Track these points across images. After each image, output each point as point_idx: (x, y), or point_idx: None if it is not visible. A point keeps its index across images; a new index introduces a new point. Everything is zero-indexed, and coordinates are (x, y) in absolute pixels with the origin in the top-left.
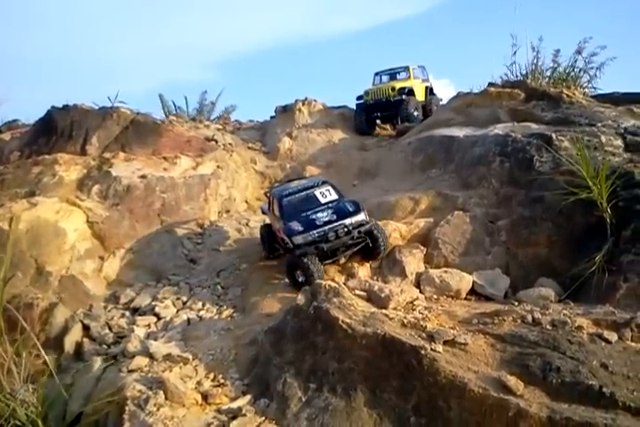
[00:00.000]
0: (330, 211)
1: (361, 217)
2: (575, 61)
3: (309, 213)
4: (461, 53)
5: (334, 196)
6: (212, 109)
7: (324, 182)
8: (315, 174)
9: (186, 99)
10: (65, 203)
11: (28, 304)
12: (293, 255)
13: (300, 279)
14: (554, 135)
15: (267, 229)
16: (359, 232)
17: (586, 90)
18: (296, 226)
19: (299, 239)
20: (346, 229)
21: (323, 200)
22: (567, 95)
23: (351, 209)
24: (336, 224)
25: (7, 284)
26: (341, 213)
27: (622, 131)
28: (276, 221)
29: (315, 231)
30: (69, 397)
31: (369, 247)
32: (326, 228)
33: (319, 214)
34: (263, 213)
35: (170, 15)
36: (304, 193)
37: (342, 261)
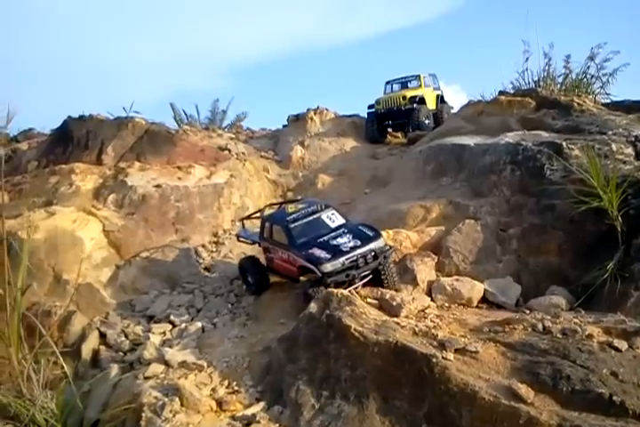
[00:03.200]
0: (349, 236)
1: (383, 242)
2: (588, 68)
3: (326, 238)
4: (473, 59)
5: (341, 219)
6: (224, 118)
7: (327, 206)
8: (327, 183)
9: (197, 107)
10: (82, 212)
11: (47, 312)
12: (310, 286)
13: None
14: (564, 144)
15: (251, 261)
16: (385, 258)
17: (598, 97)
18: (321, 253)
19: (327, 267)
20: (373, 254)
21: (332, 225)
22: (578, 103)
23: (371, 234)
24: (364, 249)
25: (25, 292)
26: (364, 237)
27: (633, 139)
28: (279, 250)
29: (343, 258)
30: (87, 403)
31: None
32: (355, 253)
33: (340, 240)
34: (241, 239)
35: (179, 23)
36: (310, 218)
37: (357, 289)
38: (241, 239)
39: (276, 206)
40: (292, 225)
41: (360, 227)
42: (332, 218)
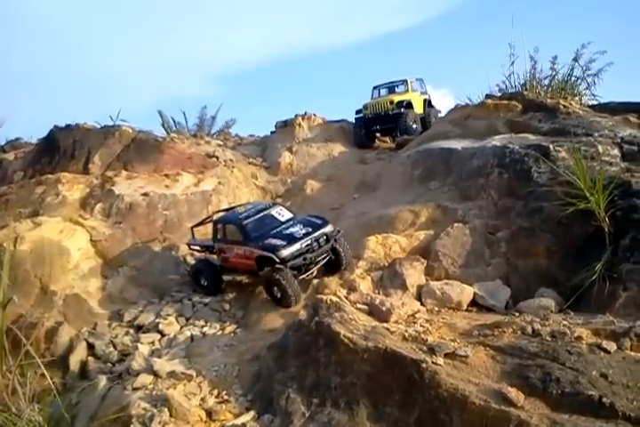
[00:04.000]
0: (300, 225)
1: (330, 228)
2: (572, 69)
3: (279, 229)
4: (460, 63)
5: (290, 214)
6: (213, 124)
7: (274, 204)
8: (315, 189)
9: (184, 114)
10: (68, 222)
11: (33, 324)
12: (272, 272)
13: (278, 295)
14: (551, 146)
15: (205, 263)
16: (335, 240)
17: (584, 98)
18: (276, 241)
19: (284, 253)
20: (325, 238)
21: (282, 219)
22: (564, 106)
23: (319, 222)
24: (316, 234)
25: (9, 304)
26: (313, 225)
27: (619, 140)
28: (234, 247)
29: (298, 243)
30: (75, 416)
31: (332, 261)
32: (309, 238)
33: (292, 229)
34: (192, 247)
35: (169, 30)
36: (261, 214)
37: (314, 274)
38: (192, 247)
39: (225, 211)
40: (246, 222)
41: (308, 218)
42: (282, 213)
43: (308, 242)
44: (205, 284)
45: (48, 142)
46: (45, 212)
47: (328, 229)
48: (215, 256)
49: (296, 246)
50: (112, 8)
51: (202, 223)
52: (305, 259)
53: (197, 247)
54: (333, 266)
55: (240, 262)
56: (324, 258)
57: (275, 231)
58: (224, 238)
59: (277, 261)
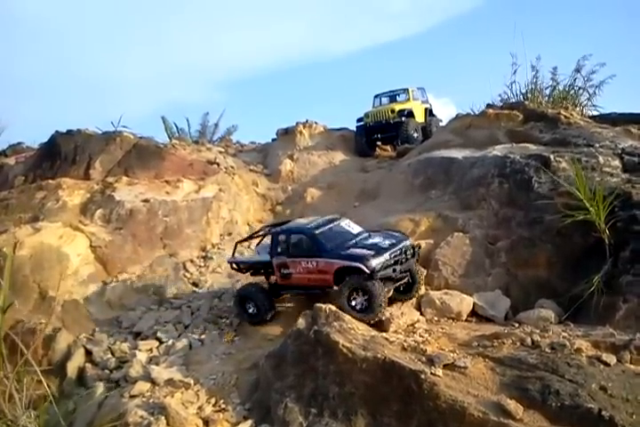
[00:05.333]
0: (380, 236)
1: (411, 242)
2: (574, 80)
3: (357, 240)
4: (462, 72)
5: (358, 227)
6: (215, 131)
7: (340, 217)
8: (316, 196)
9: (187, 120)
10: (68, 228)
11: (31, 329)
12: (360, 279)
13: (359, 307)
14: (552, 156)
15: (256, 288)
16: (418, 254)
17: (585, 108)
18: (362, 251)
19: (373, 263)
20: (412, 251)
21: (354, 231)
22: (565, 116)
23: (398, 234)
24: (402, 246)
25: (8, 310)
26: (395, 237)
27: (620, 151)
28: (302, 261)
29: (387, 254)
30: (72, 423)
31: (407, 284)
32: (396, 249)
33: (372, 240)
34: (235, 266)
35: (171, 36)
36: (331, 225)
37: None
38: (235, 266)
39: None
40: (318, 231)
41: (383, 230)
42: (351, 225)
43: (397, 253)
44: (255, 312)
45: (49, 147)
46: (45, 217)
47: (409, 241)
48: (264, 277)
49: (385, 257)
50: (115, 12)
51: (250, 238)
52: (394, 270)
53: (240, 266)
54: (405, 289)
55: (309, 278)
56: (405, 276)
57: (353, 242)
58: (287, 252)
59: (367, 272)
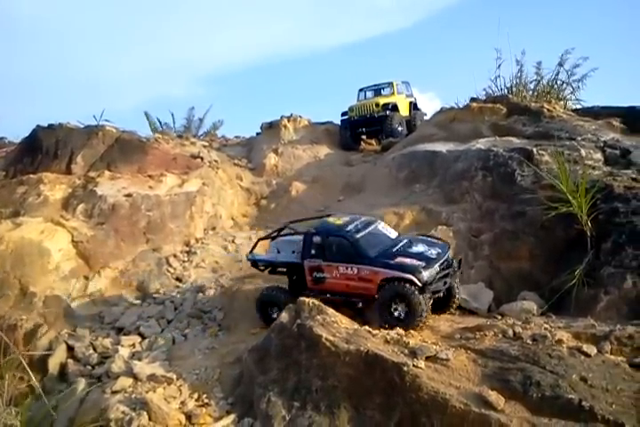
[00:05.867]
0: (423, 244)
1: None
2: (557, 74)
3: (400, 248)
4: (448, 66)
5: (394, 231)
6: (200, 126)
7: (376, 219)
8: (300, 190)
9: (172, 115)
10: (49, 222)
11: (12, 326)
12: (403, 288)
13: (398, 315)
14: (534, 150)
15: (281, 292)
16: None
17: (569, 102)
18: (413, 261)
19: (425, 275)
20: (459, 263)
21: (391, 236)
22: (548, 109)
23: (441, 242)
24: (448, 256)
25: None
26: (439, 245)
27: (602, 144)
28: (340, 266)
29: (437, 265)
30: (53, 419)
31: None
32: (444, 260)
33: (416, 248)
34: (261, 264)
35: (157, 31)
36: (369, 229)
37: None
38: (261, 264)
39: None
40: (358, 236)
41: (421, 237)
42: (388, 229)
43: (448, 264)
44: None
45: (31, 142)
46: (26, 212)
47: (451, 252)
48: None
49: (435, 269)
50: (99, 8)
51: (274, 236)
52: (445, 284)
53: (260, 264)
54: (441, 303)
55: (347, 284)
56: (442, 288)
57: (396, 250)
58: (322, 255)
59: (419, 284)
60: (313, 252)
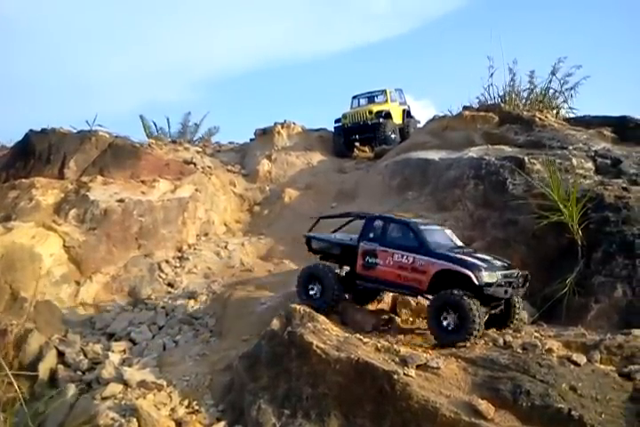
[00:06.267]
0: (489, 256)
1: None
2: (550, 82)
3: (465, 251)
4: (443, 74)
5: (460, 242)
6: (196, 131)
7: (445, 226)
8: (294, 197)
9: (168, 120)
10: (41, 227)
11: (2, 331)
12: (456, 296)
13: (448, 326)
14: (526, 158)
15: (327, 270)
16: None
17: (562, 110)
18: (475, 260)
19: (485, 276)
20: (525, 278)
21: (458, 243)
22: (540, 118)
23: (505, 260)
24: (515, 271)
25: None
26: (503, 260)
27: (593, 154)
28: (396, 253)
29: (500, 272)
30: (42, 425)
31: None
32: (511, 272)
33: (482, 256)
34: (311, 241)
35: (152, 36)
36: (437, 228)
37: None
38: (316, 242)
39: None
40: (423, 228)
41: (486, 252)
42: (454, 237)
43: (510, 275)
44: (318, 295)
45: (23, 146)
46: (18, 217)
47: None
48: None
49: (497, 274)
50: (95, 12)
51: (335, 217)
52: (506, 292)
53: (315, 243)
54: (500, 320)
55: (398, 274)
56: (500, 304)
57: (460, 251)
58: (380, 239)
59: (475, 283)
60: (371, 235)
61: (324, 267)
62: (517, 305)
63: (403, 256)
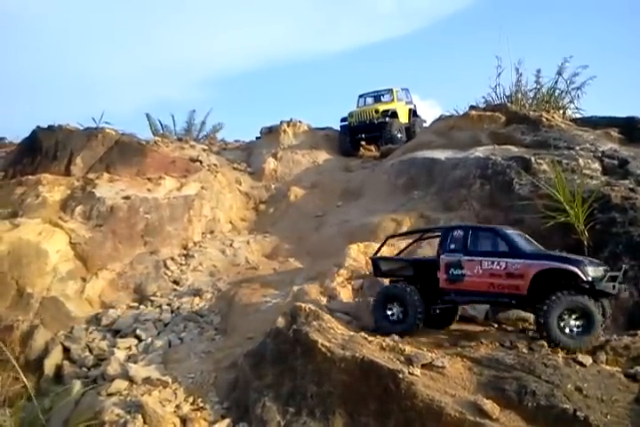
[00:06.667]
0: (577, 256)
1: None
2: (556, 82)
3: (555, 251)
4: (449, 74)
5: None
6: (201, 129)
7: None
8: (299, 195)
9: (173, 118)
10: (47, 224)
11: (8, 327)
12: (579, 295)
13: (571, 330)
14: (533, 158)
15: (409, 290)
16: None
17: (568, 110)
18: (575, 256)
19: (590, 271)
20: (624, 274)
21: (538, 245)
22: (546, 119)
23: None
24: (607, 266)
25: None
26: (589, 258)
27: (600, 154)
28: (485, 261)
29: (601, 267)
30: (47, 421)
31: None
32: (607, 267)
33: (570, 255)
34: (379, 264)
35: (158, 34)
36: (517, 232)
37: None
38: (385, 263)
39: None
40: (508, 232)
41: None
42: (533, 240)
43: (611, 270)
44: (399, 317)
45: (30, 143)
46: (25, 213)
47: None
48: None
49: (600, 269)
50: (100, 10)
51: (410, 233)
52: (614, 287)
53: (383, 265)
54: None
55: (491, 283)
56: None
57: (554, 251)
58: (464, 249)
59: (584, 279)
60: (452, 246)
61: (403, 286)
62: (608, 309)
63: (493, 263)
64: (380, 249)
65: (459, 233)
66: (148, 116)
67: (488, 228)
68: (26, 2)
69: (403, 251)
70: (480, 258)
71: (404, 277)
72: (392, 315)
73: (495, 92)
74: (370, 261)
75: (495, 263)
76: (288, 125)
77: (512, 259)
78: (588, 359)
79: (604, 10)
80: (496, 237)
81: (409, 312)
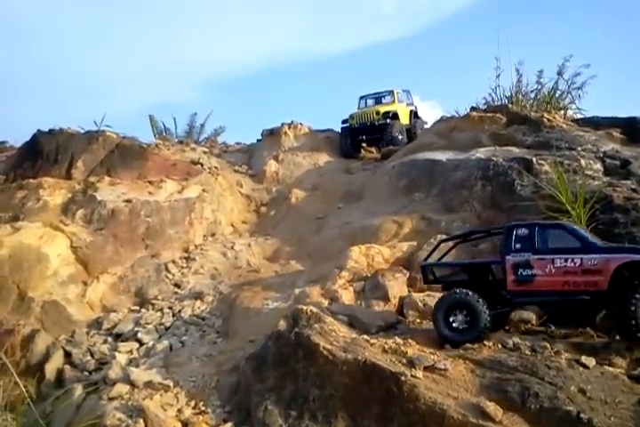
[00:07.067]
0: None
1: None
2: (557, 82)
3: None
4: (449, 75)
5: None
6: (202, 131)
7: None
8: (300, 197)
9: (174, 120)
10: (49, 227)
11: (9, 331)
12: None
13: None
14: (534, 159)
15: (475, 297)
16: None
17: (570, 111)
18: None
19: None
20: None
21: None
22: (548, 119)
23: None
24: None
25: None
26: None
27: (602, 155)
28: (557, 259)
29: None
30: (49, 425)
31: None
32: None
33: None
34: (433, 270)
35: (159, 36)
36: (580, 227)
37: None
38: (438, 269)
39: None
40: (575, 227)
41: None
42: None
43: None
44: (464, 326)
45: (31, 146)
46: (26, 217)
47: None
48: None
49: None
50: (101, 12)
51: (457, 237)
52: None
53: (437, 271)
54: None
55: (565, 281)
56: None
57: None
58: (531, 248)
59: None
60: (517, 246)
61: (469, 294)
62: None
63: (567, 260)
64: (430, 255)
65: (523, 231)
66: (151, 117)
67: (555, 224)
68: (26, 4)
69: (445, 254)
70: (551, 256)
71: (457, 283)
72: (455, 322)
73: (496, 93)
74: (370, 264)
75: (569, 260)
76: (289, 128)
77: (587, 254)
78: (591, 361)
79: (605, 10)
80: (564, 232)
81: (477, 319)
